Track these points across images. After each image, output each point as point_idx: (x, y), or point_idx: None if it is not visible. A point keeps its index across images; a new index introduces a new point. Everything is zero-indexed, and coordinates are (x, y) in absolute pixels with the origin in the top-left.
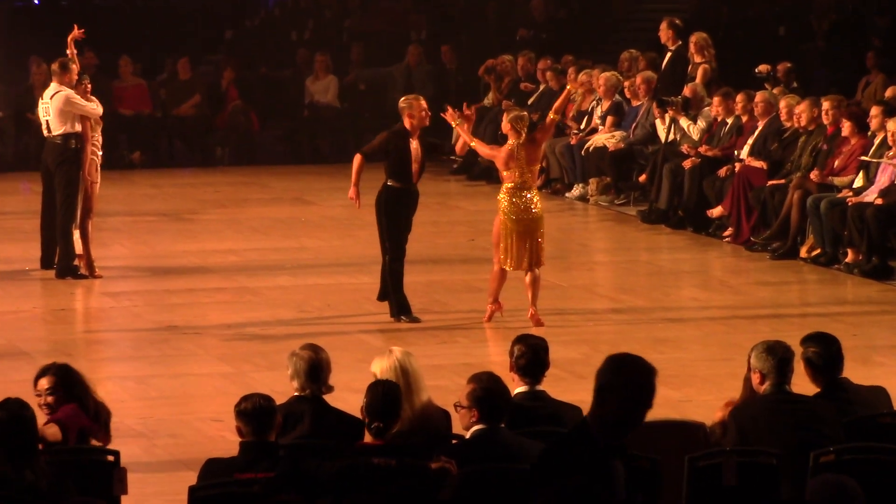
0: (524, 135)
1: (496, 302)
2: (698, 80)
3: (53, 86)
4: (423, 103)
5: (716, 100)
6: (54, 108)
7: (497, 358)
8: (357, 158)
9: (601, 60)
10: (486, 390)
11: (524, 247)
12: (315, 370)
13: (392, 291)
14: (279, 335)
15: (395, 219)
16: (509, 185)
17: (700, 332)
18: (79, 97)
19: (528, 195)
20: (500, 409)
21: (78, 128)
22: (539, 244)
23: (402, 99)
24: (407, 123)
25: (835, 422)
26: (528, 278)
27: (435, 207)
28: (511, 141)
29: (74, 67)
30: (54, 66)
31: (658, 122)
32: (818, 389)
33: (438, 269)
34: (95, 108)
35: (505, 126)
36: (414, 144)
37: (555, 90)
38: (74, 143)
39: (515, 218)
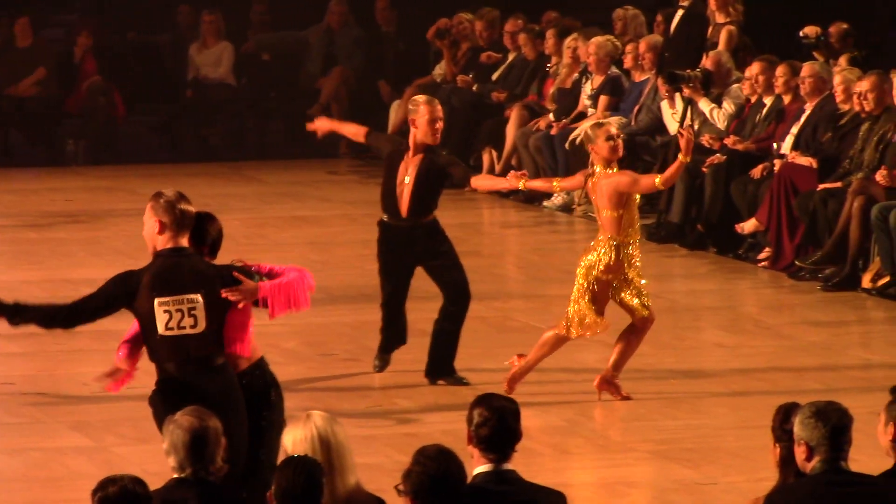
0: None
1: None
2: (721, 46)
3: None
4: (438, 109)
5: (750, 72)
6: None
7: (452, 425)
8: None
9: (593, 21)
10: (430, 477)
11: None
12: (199, 443)
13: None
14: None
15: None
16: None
17: (727, 390)
18: None
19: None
20: (449, 498)
21: None
22: None
23: (414, 98)
24: (410, 135)
25: None
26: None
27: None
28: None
29: None
30: None
31: (665, 104)
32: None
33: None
34: None
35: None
36: (408, 167)
37: (529, 60)
38: None
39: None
